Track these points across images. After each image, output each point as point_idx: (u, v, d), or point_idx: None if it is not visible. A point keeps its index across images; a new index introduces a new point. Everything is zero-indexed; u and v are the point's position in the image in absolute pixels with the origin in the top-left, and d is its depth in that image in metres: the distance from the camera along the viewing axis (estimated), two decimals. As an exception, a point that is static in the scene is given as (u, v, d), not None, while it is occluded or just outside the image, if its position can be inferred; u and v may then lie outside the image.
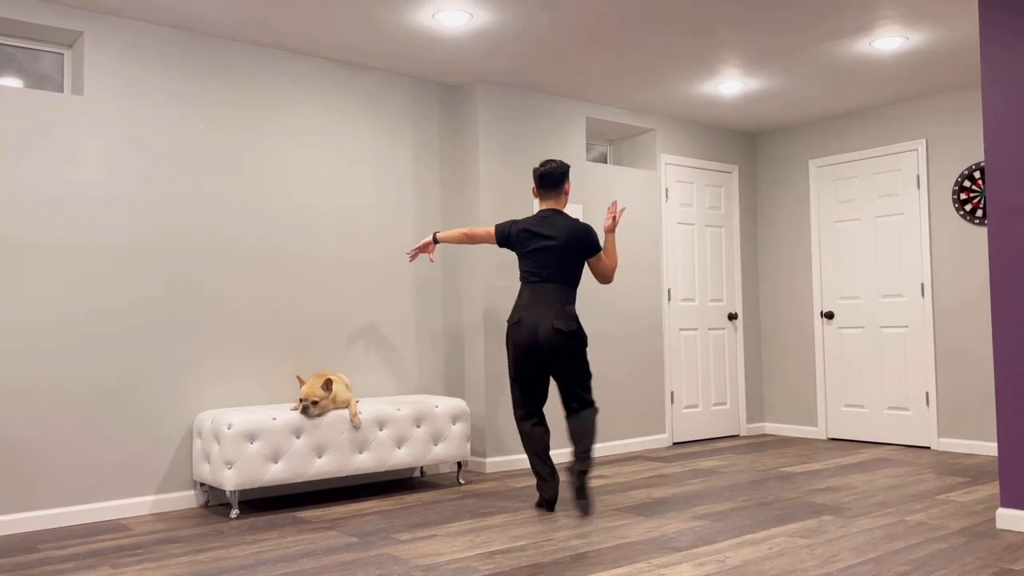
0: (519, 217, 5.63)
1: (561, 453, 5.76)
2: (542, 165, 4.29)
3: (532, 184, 5.72)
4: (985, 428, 5.82)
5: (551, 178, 4.28)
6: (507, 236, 4.36)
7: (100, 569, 3.28)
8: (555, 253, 4.17)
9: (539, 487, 4.24)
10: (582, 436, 4.13)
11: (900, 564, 3.18)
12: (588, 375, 4.22)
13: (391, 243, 5.30)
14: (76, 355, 4.14)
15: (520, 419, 4.28)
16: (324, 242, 5.00)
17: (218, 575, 3.19)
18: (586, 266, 5.84)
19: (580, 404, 4.19)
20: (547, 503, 4.23)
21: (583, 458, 4.10)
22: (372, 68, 5.25)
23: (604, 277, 4.35)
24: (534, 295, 4.17)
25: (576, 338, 4.14)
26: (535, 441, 4.22)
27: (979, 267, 5.87)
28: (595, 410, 4.21)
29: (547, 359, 4.14)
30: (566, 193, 4.33)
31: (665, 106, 6.27)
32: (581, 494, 4.08)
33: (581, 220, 4.26)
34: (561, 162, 4.29)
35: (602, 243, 5.99)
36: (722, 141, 7.01)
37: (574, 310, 4.20)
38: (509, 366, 4.26)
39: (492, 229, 4.46)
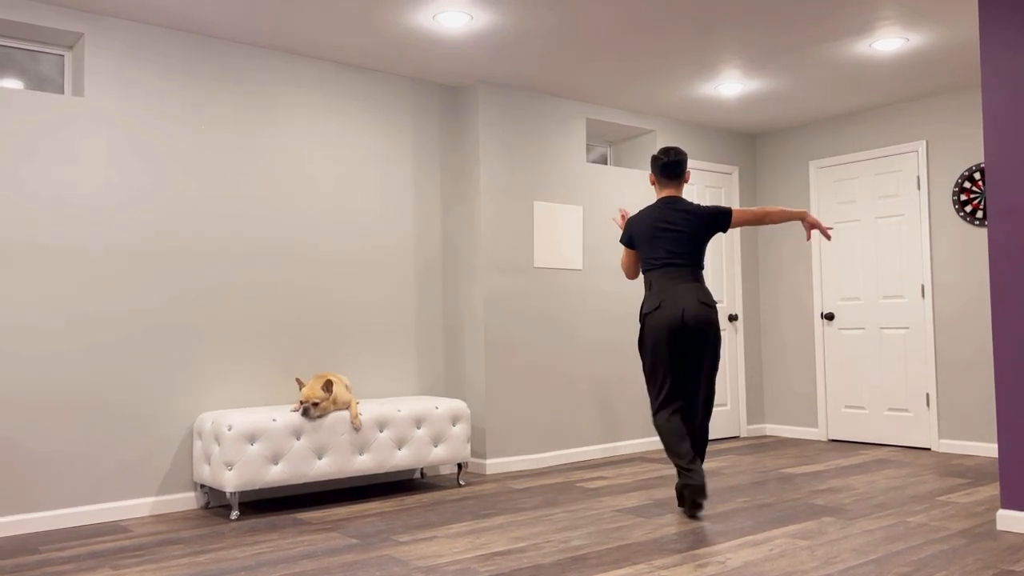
0: (519, 217, 5.63)
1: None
2: (664, 155, 4.20)
3: (538, 181, 5.73)
4: (986, 429, 5.81)
5: (676, 167, 4.20)
6: (629, 238, 4.28)
7: (100, 571, 3.28)
8: (683, 236, 4.09)
9: (681, 479, 3.99)
10: (698, 441, 4.10)
11: (901, 565, 3.18)
12: (719, 362, 4.15)
13: (391, 245, 5.30)
14: (76, 357, 4.14)
15: (659, 411, 4.08)
16: (324, 244, 5.01)
17: (218, 576, 3.19)
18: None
19: (707, 399, 4.09)
20: (696, 492, 3.93)
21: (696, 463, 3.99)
22: (372, 70, 5.25)
23: (760, 218, 4.20)
24: (671, 279, 4.07)
25: (718, 316, 4.07)
26: (676, 431, 4.00)
27: (979, 268, 5.87)
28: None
29: (694, 336, 4.00)
30: (686, 181, 4.28)
31: (665, 107, 6.28)
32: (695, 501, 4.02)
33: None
34: (680, 149, 4.23)
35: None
36: (722, 142, 7.01)
37: (708, 288, 4.14)
38: (647, 357, 4.10)
39: (624, 251, 4.38)
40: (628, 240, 4.30)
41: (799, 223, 6.93)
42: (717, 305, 4.07)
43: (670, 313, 4.01)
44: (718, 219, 4.15)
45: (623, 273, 4.40)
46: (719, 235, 6.92)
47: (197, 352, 4.50)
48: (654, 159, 4.24)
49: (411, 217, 5.41)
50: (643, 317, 4.13)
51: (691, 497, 3.98)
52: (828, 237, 4.20)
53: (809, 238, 4.36)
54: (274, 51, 4.85)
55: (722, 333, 4.13)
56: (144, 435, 4.32)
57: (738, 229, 7.05)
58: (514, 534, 3.77)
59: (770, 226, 7.11)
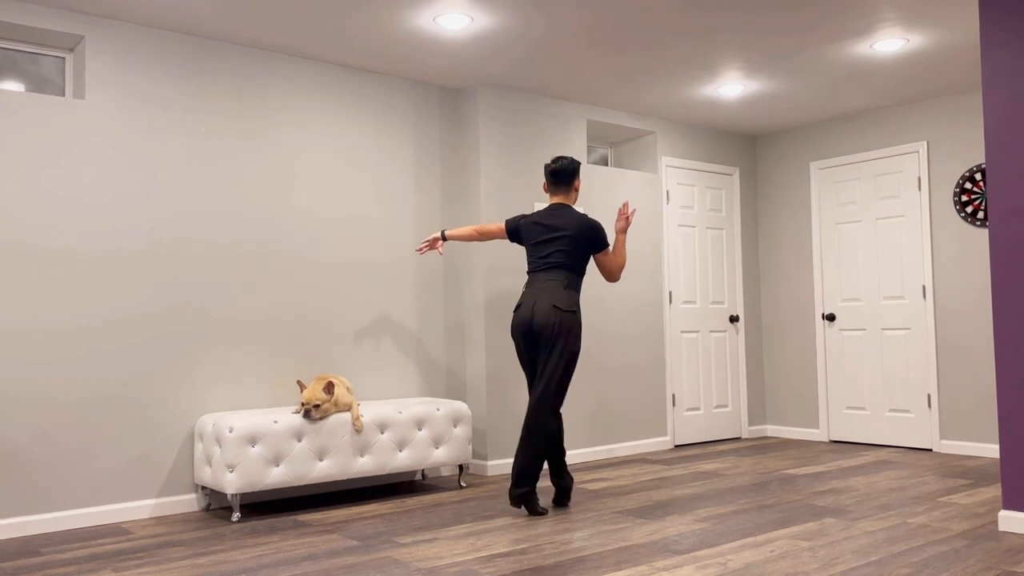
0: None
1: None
2: (553, 162, 4.38)
3: (540, 183, 5.75)
4: (987, 430, 5.81)
5: (562, 175, 4.37)
6: (515, 229, 4.46)
7: (101, 573, 3.28)
8: (562, 243, 4.24)
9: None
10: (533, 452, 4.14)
11: (902, 567, 3.17)
12: (568, 375, 4.16)
13: (392, 246, 5.30)
14: (78, 360, 4.14)
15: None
16: (325, 246, 5.01)
17: (219, 579, 3.19)
18: (593, 263, 5.88)
19: (545, 402, 4.13)
20: (513, 501, 4.16)
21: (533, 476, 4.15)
22: (373, 72, 5.25)
23: (611, 275, 4.39)
24: (538, 281, 4.24)
25: (571, 320, 4.13)
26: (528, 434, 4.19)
27: (980, 269, 5.86)
28: (553, 424, 4.16)
29: (537, 337, 4.15)
30: (576, 190, 4.43)
31: (666, 109, 6.28)
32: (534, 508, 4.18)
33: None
34: (572, 159, 4.39)
35: (611, 243, 6.00)
36: (723, 143, 7.01)
37: (577, 296, 4.22)
38: (516, 352, 4.31)
39: (502, 224, 4.55)
40: (514, 230, 4.45)
41: (807, 214, 6.93)
42: (576, 313, 4.19)
43: (524, 313, 4.19)
44: (596, 239, 4.28)
45: (480, 231, 4.60)
46: (720, 238, 6.91)
47: (198, 354, 4.50)
48: (545, 166, 4.43)
49: (412, 218, 5.41)
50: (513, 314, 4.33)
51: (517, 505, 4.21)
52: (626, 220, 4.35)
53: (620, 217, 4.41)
54: (275, 53, 4.86)
55: (579, 347, 4.20)
56: (145, 437, 4.32)
57: (739, 230, 7.05)
58: (515, 536, 3.77)
59: (770, 226, 7.12)
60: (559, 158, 4.38)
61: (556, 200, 4.40)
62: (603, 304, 6.08)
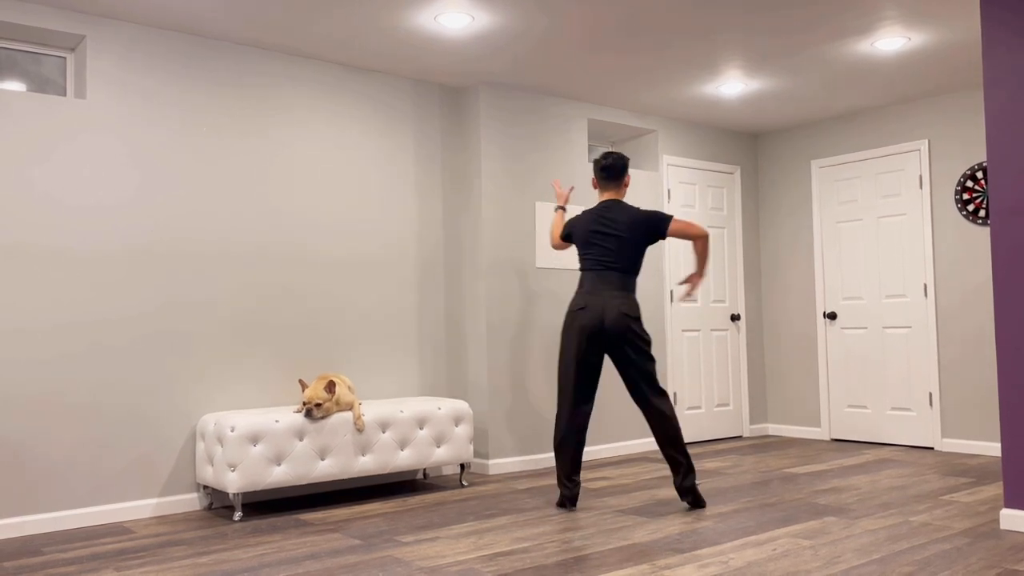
0: (521, 217, 5.63)
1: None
2: (604, 158, 4.35)
3: (540, 182, 5.74)
4: (989, 428, 5.81)
5: (613, 170, 4.36)
6: (568, 236, 4.48)
7: (103, 572, 3.29)
8: (617, 241, 4.22)
9: (561, 485, 4.28)
10: (672, 432, 4.18)
11: (904, 565, 3.17)
12: (654, 363, 4.23)
13: (393, 246, 5.30)
14: (79, 359, 4.14)
15: (563, 409, 4.26)
16: (326, 245, 5.01)
17: (221, 578, 3.20)
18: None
19: (654, 391, 4.19)
20: (570, 501, 4.25)
21: (684, 455, 4.19)
22: (374, 71, 5.25)
23: (690, 236, 4.28)
24: (597, 282, 4.21)
25: (639, 324, 4.18)
26: (573, 434, 4.23)
27: (982, 267, 5.86)
28: (668, 404, 4.25)
29: (613, 344, 4.16)
30: (626, 184, 4.42)
31: (667, 107, 6.27)
32: (692, 494, 4.21)
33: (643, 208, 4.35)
34: (621, 154, 4.38)
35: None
36: (724, 142, 7.01)
37: (635, 298, 4.28)
38: (564, 355, 4.25)
39: (559, 240, 4.60)
40: (567, 236, 4.49)
41: (807, 213, 6.92)
42: (639, 316, 4.25)
43: (592, 316, 4.16)
44: (656, 225, 4.26)
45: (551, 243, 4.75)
46: (722, 236, 6.91)
47: (200, 354, 4.51)
48: (594, 162, 4.40)
49: (413, 218, 5.41)
50: (567, 315, 4.27)
51: (571, 505, 4.27)
52: (690, 293, 4.37)
53: (686, 293, 4.46)
54: (275, 53, 4.86)
55: (650, 339, 4.22)
56: (147, 437, 4.32)
57: (740, 228, 7.05)
58: (517, 534, 3.77)
59: (771, 224, 7.11)
60: (609, 153, 4.34)
61: (607, 196, 4.38)
62: (604, 303, 6.08)
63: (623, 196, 4.41)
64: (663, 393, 4.22)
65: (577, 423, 4.23)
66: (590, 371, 4.24)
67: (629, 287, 4.23)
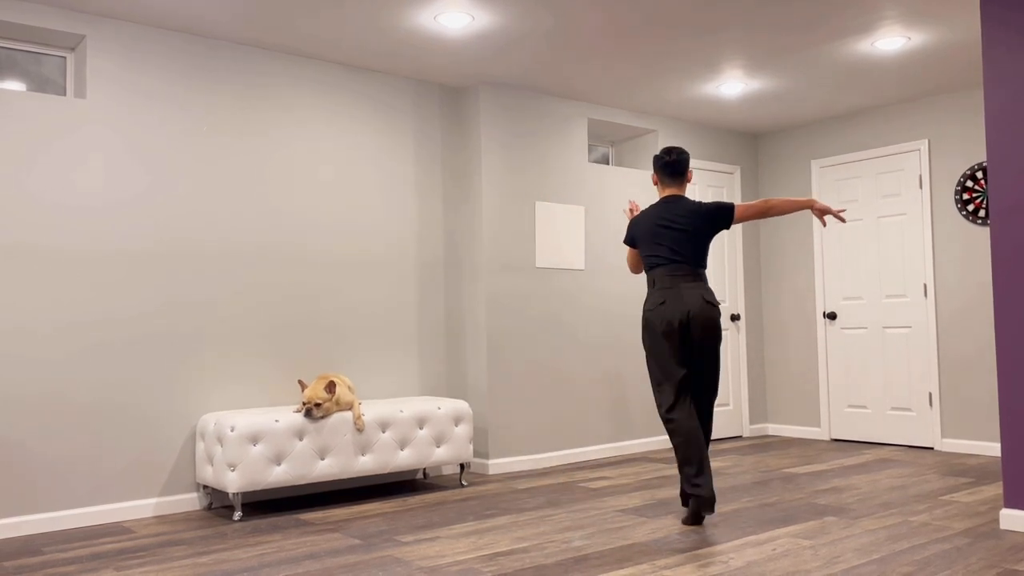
0: (521, 217, 5.63)
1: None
2: (667, 154, 4.20)
3: (540, 182, 5.73)
4: (988, 428, 5.81)
5: (678, 166, 4.19)
6: (631, 238, 4.29)
7: (103, 572, 3.29)
8: (684, 235, 4.07)
9: (685, 491, 3.99)
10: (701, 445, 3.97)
11: (904, 565, 3.17)
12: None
13: (393, 246, 5.30)
14: (79, 359, 4.15)
15: (668, 411, 3.99)
16: (326, 245, 5.01)
17: (221, 577, 3.20)
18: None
19: (711, 390, 4.05)
20: (706, 505, 3.86)
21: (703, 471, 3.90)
22: (374, 70, 5.25)
23: (761, 213, 4.16)
24: (674, 276, 4.05)
25: (720, 317, 4.06)
26: (691, 434, 3.91)
27: (982, 267, 5.86)
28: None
29: (699, 335, 3.97)
30: (688, 180, 4.27)
31: (667, 107, 6.27)
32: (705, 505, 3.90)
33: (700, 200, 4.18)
34: (683, 149, 4.24)
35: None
36: (724, 142, 7.01)
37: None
38: (657, 356, 4.04)
39: (629, 258, 4.42)
40: (630, 240, 4.30)
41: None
42: (720, 305, 4.02)
43: (678, 309, 3.98)
44: (720, 215, 4.12)
45: (627, 269, 4.48)
46: (722, 236, 6.91)
47: (199, 354, 4.51)
48: (656, 158, 4.24)
49: (413, 218, 5.41)
50: (646, 314, 4.11)
51: (695, 520, 3.94)
52: (842, 220, 4.08)
53: (824, 224, 4.34)
54: (275, 52, 4.86)
55: (724, 333, 4.07)
56: (147, 436, 4.32)
57: (740, 228, 7.05)
58: (517, 534, 3.77)
59: (773, 224, 7.11)
60: (671, 149, 4.20)
61: (669, 192, 4.22)
62: (605, 304, 6.08)
63: (684, 191, 4.24)
64: (716, 393, 4.09)
65: (693, 418, 3.98)
66: (685, 368, 4.01)
67: (702, 278, 4.09)
